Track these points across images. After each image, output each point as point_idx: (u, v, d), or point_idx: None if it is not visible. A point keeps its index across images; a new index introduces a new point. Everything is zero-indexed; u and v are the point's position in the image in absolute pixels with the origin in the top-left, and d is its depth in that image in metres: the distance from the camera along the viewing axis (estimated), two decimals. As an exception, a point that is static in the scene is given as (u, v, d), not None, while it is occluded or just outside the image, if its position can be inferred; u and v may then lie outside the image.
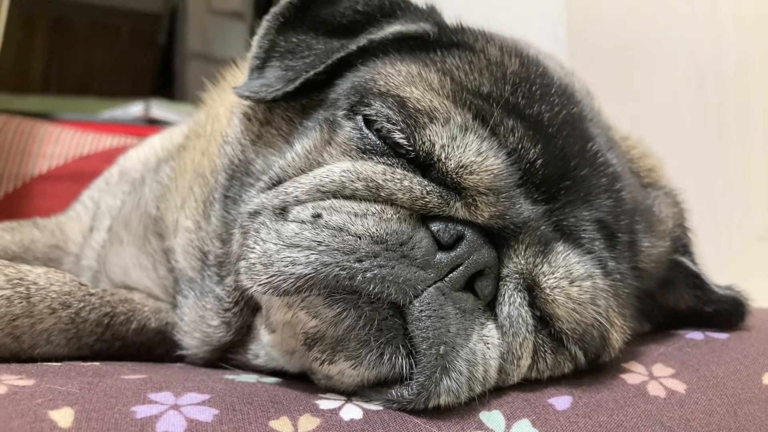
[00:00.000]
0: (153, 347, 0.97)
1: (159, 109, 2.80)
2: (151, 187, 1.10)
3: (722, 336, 0.95)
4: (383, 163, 0.77)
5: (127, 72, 5.47)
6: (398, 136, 0.76)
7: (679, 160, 2.04)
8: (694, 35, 2.22)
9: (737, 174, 2.21)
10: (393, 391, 0.70)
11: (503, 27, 1.01)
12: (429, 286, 0.70)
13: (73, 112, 2.80)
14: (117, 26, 5.56)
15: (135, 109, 2.81)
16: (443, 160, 0.74)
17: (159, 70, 5.43)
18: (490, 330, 0.74)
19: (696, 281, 0.98)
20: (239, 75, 1.05)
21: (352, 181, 0.74)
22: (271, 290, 0.70)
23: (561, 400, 0.75)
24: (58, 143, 2.20)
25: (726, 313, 0.98)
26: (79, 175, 2.06)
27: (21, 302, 0.82)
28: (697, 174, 2.15)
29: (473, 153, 0.74)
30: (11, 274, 0.84)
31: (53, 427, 0.58)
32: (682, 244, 0.99)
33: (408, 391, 0.69)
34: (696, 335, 0.95)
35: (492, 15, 2.01)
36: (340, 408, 0.69)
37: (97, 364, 0.81)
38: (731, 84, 2.22)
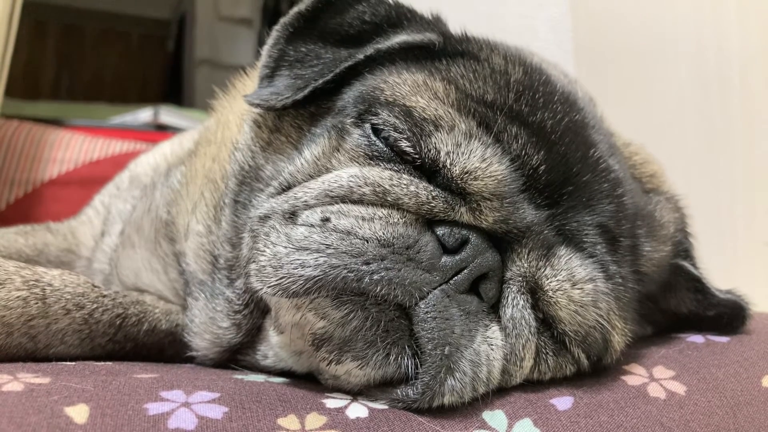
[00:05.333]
0: (163, 348, 0.99)
1: (168, 115, 2.83)
2: (162, 192, 1.12)
3: (723, 339, 0.96)
4: (390, 169, 0.78)
5: (137, 78, 5.52)
6: (405, 145, 0.78)
7: (684, 164, 2.06)
8: (698, 41, 2.23)
9: (742, 179, 2.22)
10: (398, 391, 0.72)
11: (509, 35, 1.03)
12: (434, 289, 0.72)
13: (83, 118, 2.83)
14: (127, 33, 5.61)
15: (144, 114, 2.84)
16: (448, 166, 0.76)
17: (168, 77, 5.48)
18: (494, 332, 0.76)
19: (697, 285, 0.99)
20: (249, 83, 1.07)
21: (360, 186, 0.76)
22: (280, 292, 0.72)
23: (562, 401, 0.77)
24: (69, 148, 2.22)
25: (727, 316, 0.98)
26: (89, 180, 2.09)
27: (37, 303, 0.84)
28: (701, 179, 2.16)
29: (477, 159, 0.76)
30: (27, 275, 0.86)
31: (69, 423, 0.60)
32: (683, 249, 1.01)
33: (413, 391, 0.71)
34: (697, 338, 0.96)
35: (498, 24, 2.03)
36: (346, 407, 0.71)
37: (109, 363, 0.83)
38: (735, 89, 2.22)
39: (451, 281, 0.73)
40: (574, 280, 0.77)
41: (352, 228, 0.72)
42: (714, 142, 2.23)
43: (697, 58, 2.24)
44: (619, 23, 2.17)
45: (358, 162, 0.81)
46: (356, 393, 0.75)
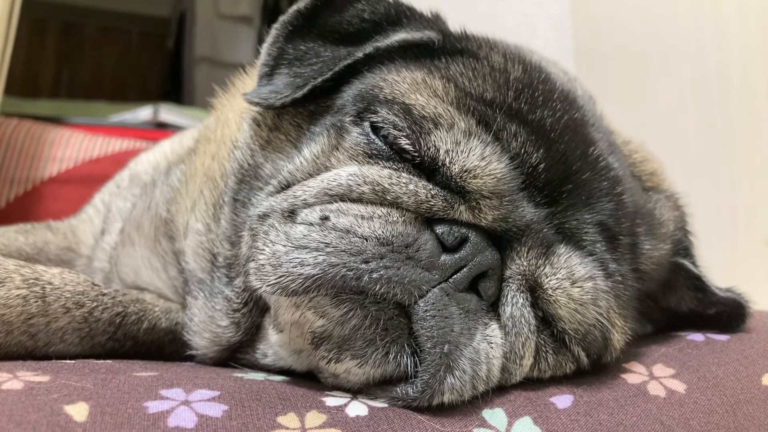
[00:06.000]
0: (163, 346, 0.99)
1: (167, 113, 2.82)
2: (162, 191, 1.12)
3: (723, 337, 0.96)
4: (389, 168, 0.78)
5: (137, 76, 5.51)
6: (404, 142, 0.78)
7: (684, 163, 2.06)
8: (699, 40, 2.23)
9: (742, 177, 2.22)
10: (398, 389, 0.72)
11: (508, 34, 1.03)
12: (433, 287, 0.72)
13: (83, 116, 2.83)
14: (127, 31, 5.61)
15: (144, 113, 2.84)
16: (447, 164, 0.76)
17: (168, 75, 5.47)
18: (494, 330, 0.76)
19: (697, 284, 0.99)
20: (248, 81, 1.07)
21: (359, 185, 0.76)
22: (279, 290, 0.72)
23: (562, 399, 0.77)
24: (69, 146, 2.22)
25: (727, 315, 0.99)
26: (88, 178, 2.09)
27: (36, 301, 0.84)
28: (702, 177, 2.16)
29: (477, 157, 0.76)
30: (27, 274, 0.86)
31: (69, 421, 0.60)
32: (683, 247, 1.00)
33: (413, 389, 0.71)
34: (696, 336, 0.97)
35: (497, 22, 2.03)
36: (346, 405, 0.71)
37: (109, 361, 0.83)
38: (735, 88, 2.22)
39: (451, 280, 0.73)
40: (574, 278, 0.77)
41: (351, 226, 0.72)
42: (714, 141, 2.23)
43: (697, 57, 2.24)
44: (619, 22, 2.17)
45: (357, 160, 0.81)
46: (356, 391, 0.75)
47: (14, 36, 1.96)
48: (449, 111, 0.79)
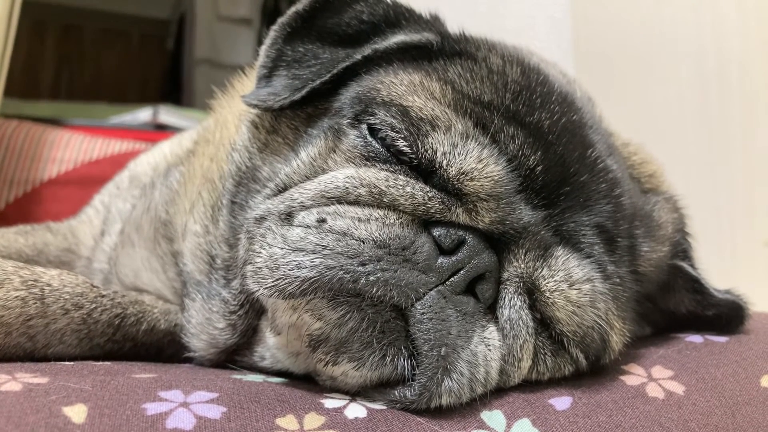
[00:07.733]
0: (162, 348, 0.99)
1: (167, 114, 2.82)
2: (161, 192, 1.12)
3: (721, 339, 0.96)
4: (386, 170, 0.78)
5: (136, 78, 5.52)
6: (401, 144, 0.78)
7: (683, 164, 2.06)
8: (698, 41, 2.23)
9: (741, 179, 2.22)
10: (396, 392, 0.72)
11: (508, 35, 1.03)
12: (430, 290, 0.72)
13: (82, 118, 2.83)
14: (126, 32, 5.61)
15: (143, 114, 2.84)
16: (444, 166, 0.76)
17: (167, 76, 5.48)
18: (491, 332, 0.76)
19: (695, 286, 0.99)
20: (247, 82, 1.07)
21: (356, 187, 0.76)
22: (276, 293, 0.71)
23: (561, 401, 0.77)
24: (68, 148, 2.22)
25: (725, 316, 0.98)
26: (88, 180, 2.09)
27: (35, 303, 0.84)
28: (701, 178, 2.16)
29: (474, 160, 0.76)
30: (26, 275, 0.86)
31: (67, 423, 0.60)
32: (681, 249, 1.00)
33: (410, 392, 0.71)
34: (695, 338, 0.96)
35: (497, 23, 2.03)
36: (344, 407, 0.71)
37: (108, 363, 0.83)
38: (735, 89, 2.23)
39: (448, 282, 0.73)
40: (572, 280, 0.77)
41: (348, 229, 0.72)
42: (713, 142, 2.23)
43: (697, 58, 2.24)
44: (619, 23, 2.17)
45: (354, 163, 0.81)
46: (355, 393, 0.75)
47: (14, 37, 1.96)
48: (446, 113, 0.79)
